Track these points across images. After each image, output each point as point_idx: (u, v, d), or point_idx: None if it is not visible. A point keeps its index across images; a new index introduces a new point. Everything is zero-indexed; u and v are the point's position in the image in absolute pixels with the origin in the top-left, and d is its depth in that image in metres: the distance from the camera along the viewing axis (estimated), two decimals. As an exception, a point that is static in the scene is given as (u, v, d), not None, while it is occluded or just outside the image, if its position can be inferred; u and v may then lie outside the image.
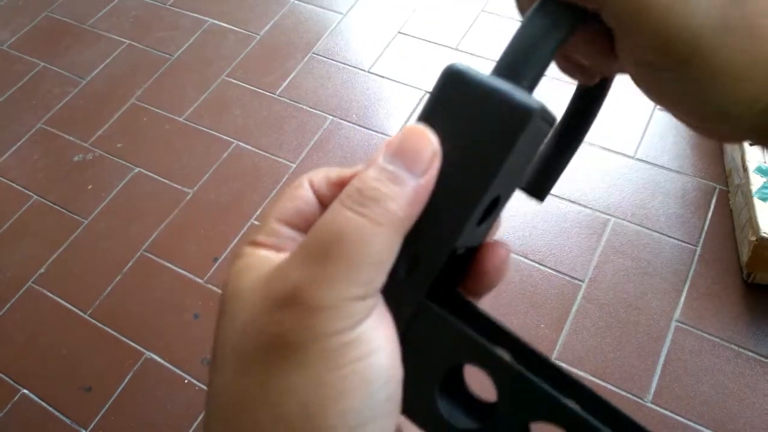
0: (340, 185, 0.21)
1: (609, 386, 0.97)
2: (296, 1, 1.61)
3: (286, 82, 1.43)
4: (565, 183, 1.20)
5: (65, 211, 1.27)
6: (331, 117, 1.36)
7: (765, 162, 1.07)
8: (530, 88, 0.20)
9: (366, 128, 1.33)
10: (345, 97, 1.39)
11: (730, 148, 1.18)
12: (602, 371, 0.99)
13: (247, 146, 1.33)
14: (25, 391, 1.05)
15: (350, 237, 0.17)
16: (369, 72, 1.44)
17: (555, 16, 0.20)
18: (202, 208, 1.25)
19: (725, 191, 1.17)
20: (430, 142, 0.19)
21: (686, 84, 0.19)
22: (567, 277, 1.09)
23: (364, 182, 0.18)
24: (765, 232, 0.98)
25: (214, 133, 1.36)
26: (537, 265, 1.11)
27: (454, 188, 0.19)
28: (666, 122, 1.26)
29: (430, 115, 0.20)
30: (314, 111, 1.37)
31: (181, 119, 1.40)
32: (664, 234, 1.12)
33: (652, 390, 0.96)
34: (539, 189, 0.27)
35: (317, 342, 0.16)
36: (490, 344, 0.19)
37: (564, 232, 1.14)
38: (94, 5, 1.67)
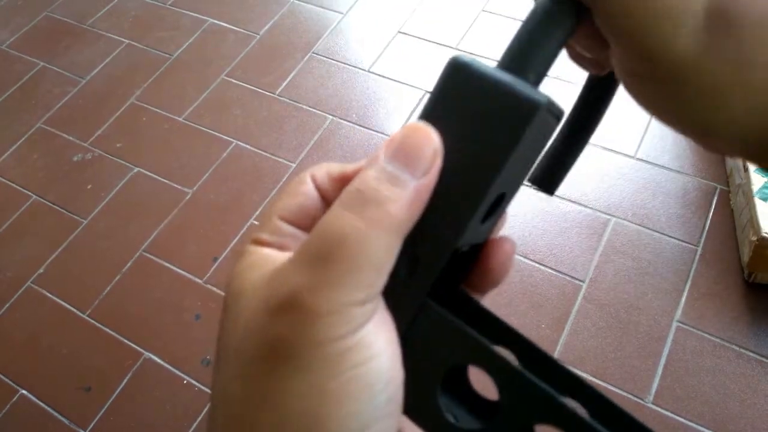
0: (342, 180, 0.20)
1: (610, 387, 0.97)
2: (296, 1, 1.61)
3: (286, 81, 1.43)
4: (566, 183, 1.19)
5: (64, 211, 1.27)
6: (331, 117, 1.36)
7: (766, 162, 1.07)
8: (536, 82, 0.20)
9: (366, 128, 1.33)
10: (345, 97, 1.39)
11: (730, 148, 1.18)
12: (603, 372, 0.98)
13: (247, 146, 1.33)
14: (24, 391, 1.05)
15: (350, 241, 0.17)
16: (369, 72, 1.43)
17: (562, 9, 0.19)
18: (202, 208, 1.24)
19: (726, 191, 1.16)
20: (431, 141, 0.18)
21: (671, 99, 0.19)
22: (567, 277, 1.09)
23: (364, 183, 0.18)
24: (766, 232, 0.98)
25: (213, 132, 1.36)
26: (537, 265, 1.11)
27: (456, 186, 0.18)
28: (667, 122, 1.26)
29: (433, 109, 0.19)
30: (314, 111, 1.37)
31: (180, 119, 1.39)
32: (664, 234, 1.12)
33: (653, 390, 0.96)
34: (549, 182, 0.26)
35: (318, 348, 0.16)
36: (491, 345, 0.19)
37: (564, 232, 1.14)
38: (93, 5, 1.67)
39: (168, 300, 1.12)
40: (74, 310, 1.13)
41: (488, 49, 1.43)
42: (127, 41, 1.57)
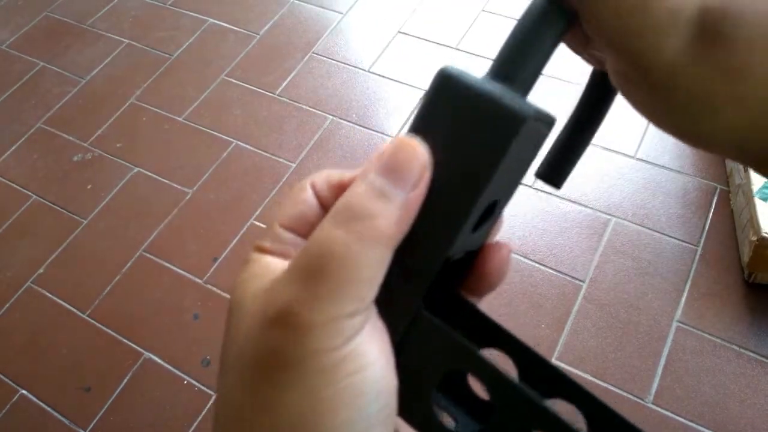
0: (340, 188, 0.21)
1: (610, 387, 0.97)
2: (296, 1, 1.61)
3: (286, 81, 1.43)
4: (566, 183, 1.20)
5: (64, 211, 1.27)
6: (331, 117, 1.36)
7: (766, 162, 1.07)
8: (525, 90, 0.20)
9: (366, 128, 1.33)
10: (345, 97, 1.39)
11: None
12: (603, 372, 0.98)
13: (247, 146, 1.33)
14: (24, 391, 1.05)
15: (339, 256, 0.17)
16: (369, 72, 1.43)
17: (550, 16, 0.19)
18: (202, 208, 1.24)
19: (726, 191, 1.16)
20: (419, 156, 0.18)
21: (663, 105, 0.19)
22: (567, 277, 1.09)
23: (354, 198, 0.18)
24: (766, 232, 0.98)
25: (213, 132, 1.36)
26: (537, 265, 1.11)
27: (446, 197, 0.19)
28: (667, 122, 1.26)
29: (422, 121, 0.19)
30: (314, 111, 1.37)
31: (180, 119, 1.39)
32: (665, 234, 1.12)
33: (653, 390, 0.96)
34: (556, 176, 0.26)
35: (312, 358, 0.17)
36: (480, 353, 0.19)
37: (564, 232, 1.14)
38: (93, 5, 1.67)
39: (168, 300, 1.12)
40: (74, 310, 1.13)
41: (488, 49, 1.43)
42: (127, 41, 1.57)
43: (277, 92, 1.42)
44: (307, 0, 1.60)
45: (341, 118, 1.35)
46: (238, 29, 1.56)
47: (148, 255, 1.18)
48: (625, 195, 1.18)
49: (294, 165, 1.29)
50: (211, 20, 1.59)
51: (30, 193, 1.31)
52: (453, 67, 0.19)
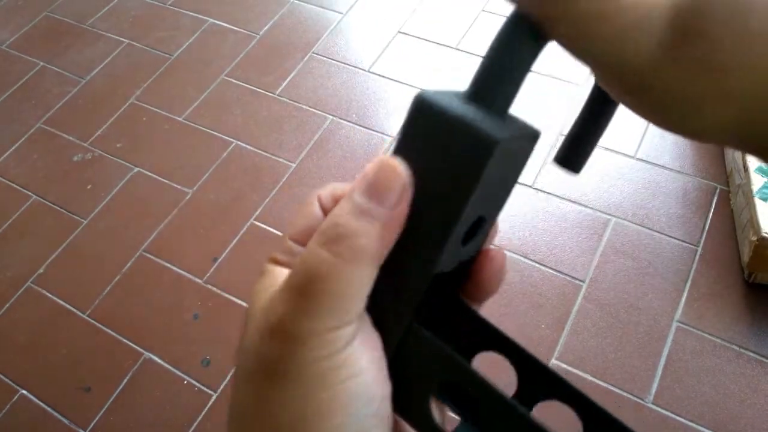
0: None
1: (610, 387, 0.97)
2: (296, 1, 1.61)
3: (286, 81, 1.43)
4: (566, 183, 1.20)
5: (64, 211, 1.27)
6: (330, 117, 1.36)
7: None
8: (503, 109, 0.20)
9: (366, 128, 1.33)
10: (345, 97, 1.39)
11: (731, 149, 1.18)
12: (603, 372, 0.98)
13: (247, 146, 1.33)
14: (24, 391, 1.05)
15: (323, 275, 0.18)
16: (369, 72, 1.43)
17: (522, 36, 0.19)
18: (202, 208, 1.24)
19: (726, 191, 1.16)
20: (399, 176, 0.19)
21: (653, 107, 0.19)
22: (567, 277, 1.09)
23: (337, 218, 0.19)
24: (766, 232, 0.98)
25: (213, 132, 1.36)
26: (537, 265, 1.11)
27: (427, 218, 0.19)
28: (667, 122, 1.26)
29: (402, 145, 0.20)
30: (314, 111, 1.37)
31: (180, 119, 1.39)
32: (664, 234, 1.12)
33: (653, 390, 0.96)
34: (574, 162, 0.26)
35: (305, 367, 0.18)
36: (470, 367, 0.20)
37: (564, 232, 1.14)
38: (93, 5, 1.67)
39: (168, 300, 1.12)
40: (74, 310, 1.13)
41: (488, 49, 1.42)
42: (127, 41, 1.57)
43: (277, 92, 1.42)
44: (307, 0, 1.60)
45: (341, 118, 1.35)
46: (238, 29, 1.56)
47: (148, 255, 1.18)
48: (625, 195, 1.18)
49: (294, 165, 1.29)
50: (211, 20, 1.59)
51: (30, 193, 1.31)
52: (429, 92, 0.19)
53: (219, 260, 1.16)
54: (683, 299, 1.05)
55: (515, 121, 0.20)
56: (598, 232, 1.14)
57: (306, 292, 0.19)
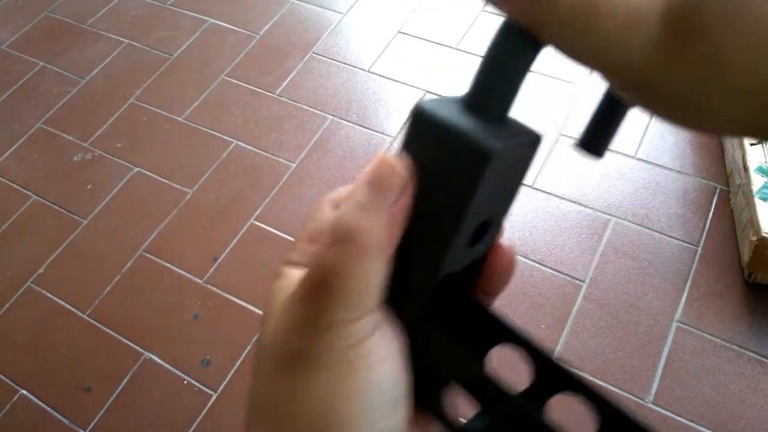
0: None
1: (610, 387, 0.97)
2: (296, 1, 1.61)
3: (286, 81, 1.43)
4: (566, 183, 1.20)
5: (64, 211, 1.27)
6: (330, 117, 1.36)
7: (766, 162, 1.07)
8: (501, 116, 0.20)
9: (366, 128, 1.33)
10: (345, 97, 1.39)
11: (731, 148, 1.18)
12: (603, 372, 0.98)
13: (247, 146, 1.33)
14: (24, 391, 1.05)
15: (333, 272, 0.19)
16: (369, 72, 1.43)
17: (515, 43, 0.19)
18: (202, 208, 1.24)
19: (726, 191, 1.16)
20: (398, 169, 0.20)
21: (657, 104, 0.18)
22: (568, 277, 1.09)
23: (342, 216, 0.20)
24: (766, 232, 0.98)
25: (213, 132, 1.36)
26: (537, 265, 1.11)
27: (431, 224, 0.20)
28: (667, 122, 1.26)
29: (405, 151, 0.20)
30: (314, 111, 1.37)
31: (180, 119, 1.39)
32: (664, 234, 1.12)
33: (653, 390, 0.96)
34: (596, 146, 0.26)
35: (334, 355, 0.20)
36: (479, 365, 0.21)
37: (564, 232, 1.14)
38: (93, 5, 1.67)
39: (168, 300, 1.12)
40: (74, 310, 1.13)
41: (488, 49, 1.42)
42: (127, 41, 1.57)
43: (277, 92, 1.42)
44: (307, 0, 1.60)
45: (341, 118, 1.35)
46: (238, 29, 1.56)
47: (148, 255, 1.18)
48: (625, 195, 1.18)
49: (294, 165, 1.29)
50: (211, 20, 1.59)
51: (30, 193, 1.31)
52: (427, 102, 0.20)
53: (219, 260, 1.16)
54: (683, 299, 1.05)
55: (515, 126, 0.20)
56: (598, 232, 1.14)
57: (321, 289, 0.20)
